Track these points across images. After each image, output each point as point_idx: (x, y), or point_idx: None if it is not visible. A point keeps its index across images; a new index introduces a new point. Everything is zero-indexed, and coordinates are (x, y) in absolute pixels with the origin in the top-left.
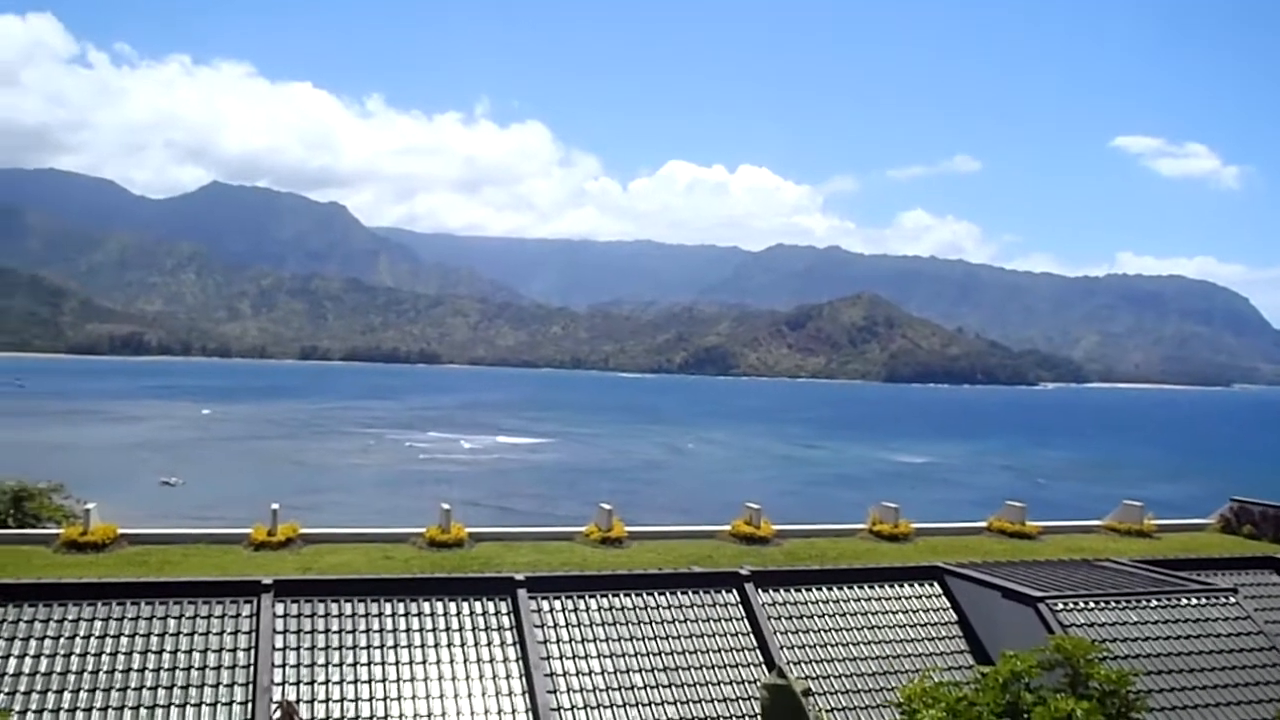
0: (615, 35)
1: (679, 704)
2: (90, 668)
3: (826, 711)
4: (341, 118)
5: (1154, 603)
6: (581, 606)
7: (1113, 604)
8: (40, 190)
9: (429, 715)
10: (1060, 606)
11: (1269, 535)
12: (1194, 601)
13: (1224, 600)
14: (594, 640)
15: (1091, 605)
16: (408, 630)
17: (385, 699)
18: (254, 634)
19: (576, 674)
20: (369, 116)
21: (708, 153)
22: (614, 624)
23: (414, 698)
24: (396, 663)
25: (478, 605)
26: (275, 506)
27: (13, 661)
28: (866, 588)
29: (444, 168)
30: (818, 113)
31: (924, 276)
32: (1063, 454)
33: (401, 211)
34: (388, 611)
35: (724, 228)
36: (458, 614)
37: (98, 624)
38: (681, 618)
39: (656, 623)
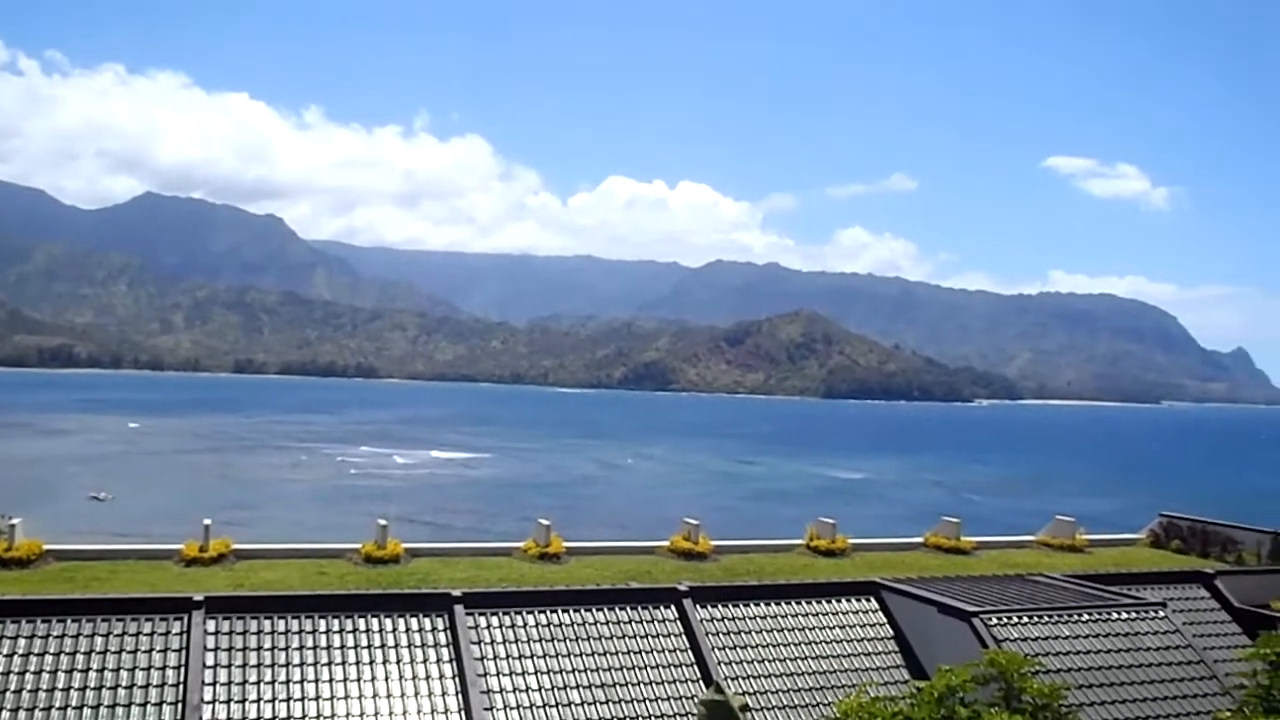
0: (556, 50)
1: None
2: (14, 687)
3: None
4: (279, 129)
5: (1085, 617)
6: (519, 623)
7: (1045, 618)
8: None
9: None
10: (994, 621)
11: (1197, 550)
12: (1124, 616)
13: (1153, 614)
14: (531, 656)
15: (1025, 620)
16: (342, 647)
17: (319, 717)
18: (184, 651)
19: (514, 690)
20: (307, 128)
21: (648, 169)
22: (551, 640)
23: (348, 716)
24: (330, 680)
25: (414, 621)
26: (207, 522)
27: None
28: (804, 603)
29: (383, 181)
30: (757, 130)
31: (862, 294)
32: (997, 470)
33: (340, 224)
34: (322, 628)
35: (663, 244)
36: (393, 630)
37: (22, 642)
38: (619, 634)
39: (594, 639)
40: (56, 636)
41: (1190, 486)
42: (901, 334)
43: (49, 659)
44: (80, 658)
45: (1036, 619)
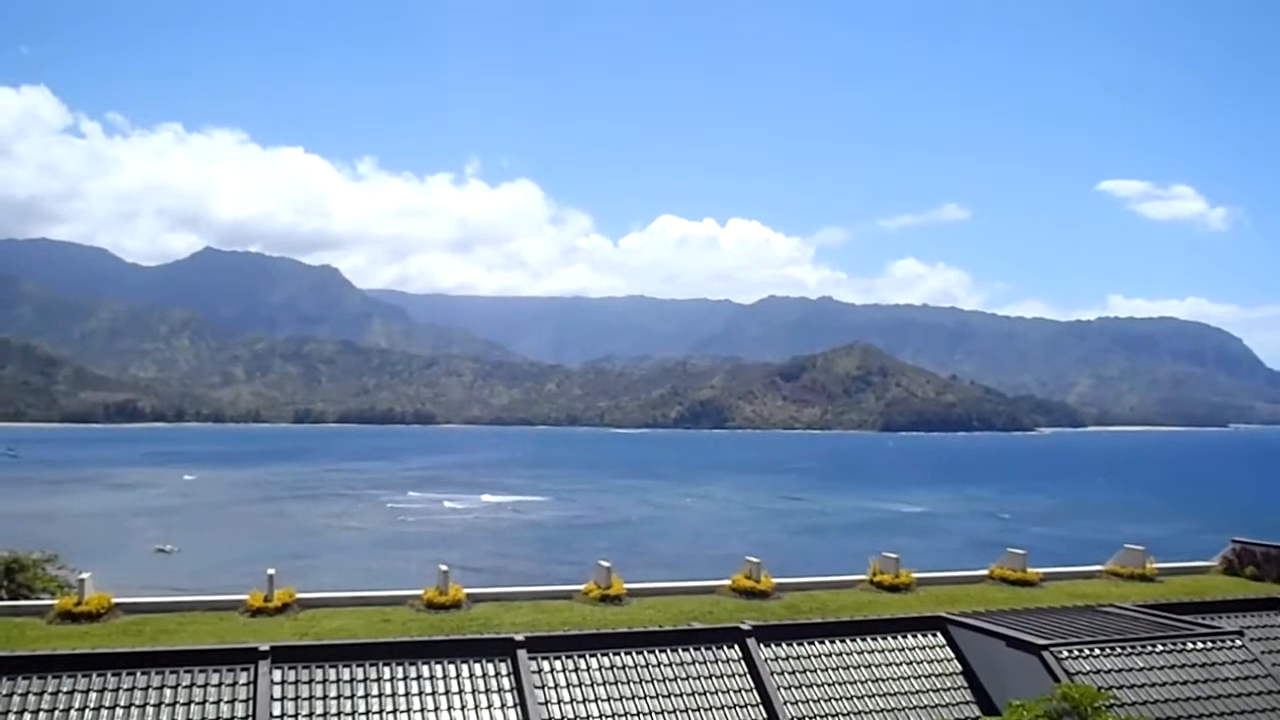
0: (603, 92)
1: None
2: None
3: None
4: (333, 181)
5: (1159, 648)
6: (582, 666)
7: (1118, 650)
8: (33, 260)
9: None
10: (1065, 654)
11: (1272, 576)
12: (1200, 645)
13: (1230, 643)
14: (595, 700)
15: (1097, 652)
16: (407, 694)
17: None
18: (251, 701)
19: None
20: (360, 179)
21: (697, 207)
22: (615, 683)
23: None
24: None
25: (477, 667)
26: (271, 571)
27: None
28: (869, 639)
29: (436, 228)
30: (806, 165)
31: (916, 325)
32: (1061, 499)
33: (394, 273)
34: (386, 675)
35: (715, 281)
36: (457, 676)
37: (93, 695)
38: (683, 675)
39: (658, 680)
40: (127, 689)
41: (1263, 511)
42: (959, 364)
43: (119, 712)
44: (150, 709)
45: (1109, 651)
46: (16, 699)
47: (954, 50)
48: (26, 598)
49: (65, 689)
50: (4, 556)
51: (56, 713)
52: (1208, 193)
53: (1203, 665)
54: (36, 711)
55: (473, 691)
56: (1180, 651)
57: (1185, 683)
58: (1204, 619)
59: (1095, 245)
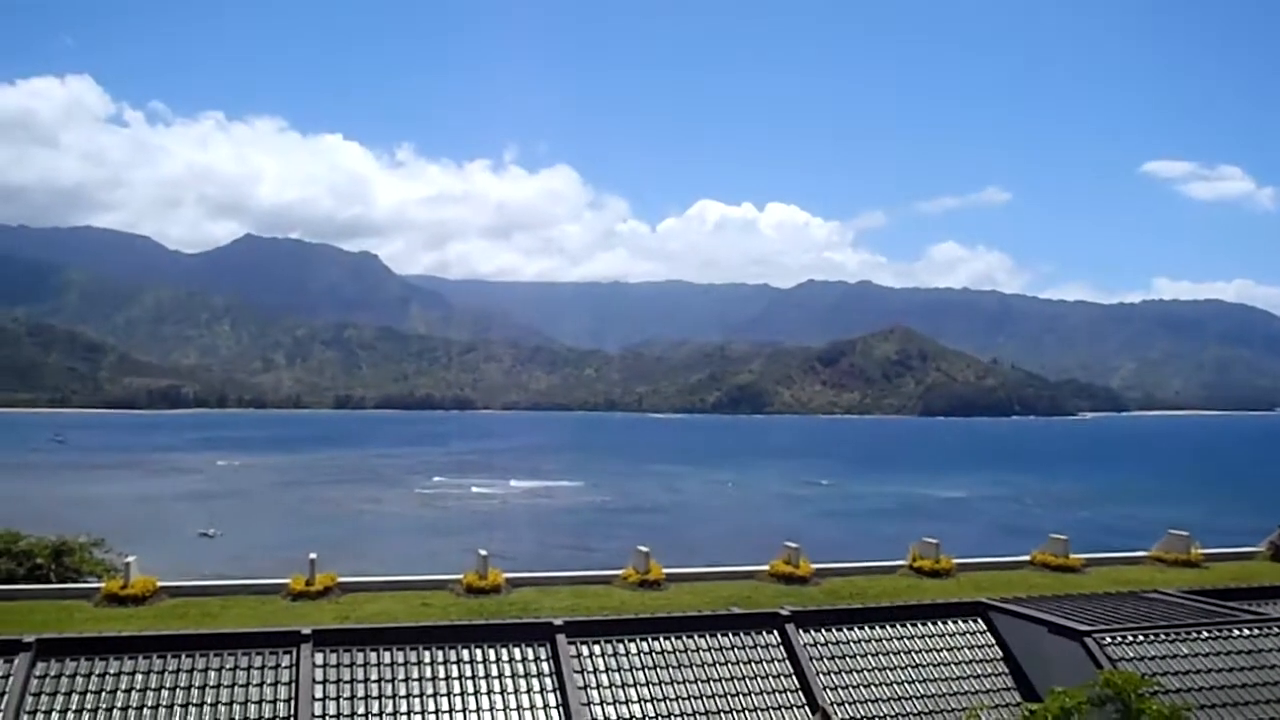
0: (640, 77)
1: None
2: None
3: None
4: (372, 168)
5: (1205, 634)
6: (621, 650)
7: (1162, 637)
8: (78, 247)
9: None
10: (1108, 640)
11: None
12: (1246, 632)
13: (1277, 631)
14: (634, 684)
15: (1140, 638)
16: (447, 678)
17: None
18: (294, 684)
19: (617, 719)
20: (399, 166)
21: (736, 191)
22: (654, 667)
23: None
24: (436, 711)
25: (517, 651)
26: (313, 556)
27: (55, 716)
28: (909, 625)
29: (475, 214)
30: (845, 149)
31: (957, 308)
32: (1104, 484)
33: (433, 259)
34: (427, 659)
35: (754, 265)
36: (497, 660)
37: (139, 677)
38: (722, 660)
39: (697, 665)
40: (171, 671)
41: None
42: (1000, 348)
43: (164, 693)
44: (194, 691)
45: (1153, 637)
46: (65, 680)
47: (995, 31)
48: (74, 581)
49: (112, 671)
50: (52, 540)
51: (104, 694)
52: (1255, 172)
53: (1249, 653)
54: (84, 693)
55: (512, 675)
56: (1226, 639)
57: (1231, 670)
58: (1250, 605)
59: (1140, 227)
